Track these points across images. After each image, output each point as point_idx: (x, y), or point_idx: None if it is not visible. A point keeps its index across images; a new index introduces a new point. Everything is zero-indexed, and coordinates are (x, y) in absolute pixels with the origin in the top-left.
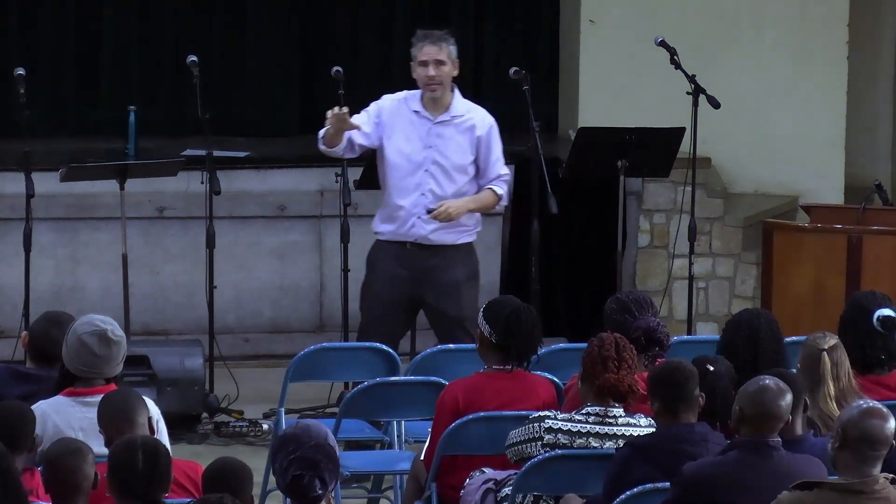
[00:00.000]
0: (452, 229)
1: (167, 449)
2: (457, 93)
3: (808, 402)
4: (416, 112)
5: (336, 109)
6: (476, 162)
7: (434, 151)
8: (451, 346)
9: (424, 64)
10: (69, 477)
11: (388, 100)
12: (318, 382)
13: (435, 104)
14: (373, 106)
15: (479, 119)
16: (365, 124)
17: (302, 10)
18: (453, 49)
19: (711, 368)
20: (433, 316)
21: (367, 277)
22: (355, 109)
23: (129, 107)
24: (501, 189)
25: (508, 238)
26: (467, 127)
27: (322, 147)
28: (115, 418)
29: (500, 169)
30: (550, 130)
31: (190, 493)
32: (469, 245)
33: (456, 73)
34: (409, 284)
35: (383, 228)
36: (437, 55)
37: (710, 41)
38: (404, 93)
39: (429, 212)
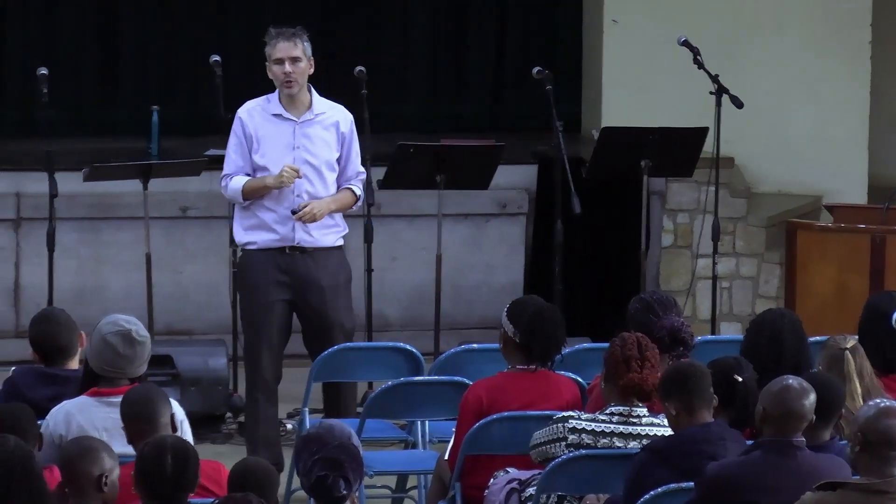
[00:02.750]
0: (330, 231)
1: (196, 452)
2: (314, 91)
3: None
4: (276, 115)
5: (291, 170)
6: (338, 159)
7: (303, 151)
8: (475, 345)
9: (280, 62)
10: (83, 474)
11: (243, 113)
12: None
13: (295, 104)
14: (235, 129)
15: (342, 116)
16: (246, 154)
17: (322, 9)
18: (308, 46)
19: (740, 379)
20: (313, 319)
21: (244, 291)
22: (376, 108)
23: (151, 106)
24: (359, 189)
25: (532, 238)
26: (331, 123)
27: (231, 195)
28: (136, 417)
29: (359, 167)
30: (573, 130)
31: (212, 493)
32: (342, 248)
33: (311, 70)
34: (290, 290)
35: (256, 237)
36: (292, 51)
37: (733, 41)
38: (257, 100)
39: (293, 212)
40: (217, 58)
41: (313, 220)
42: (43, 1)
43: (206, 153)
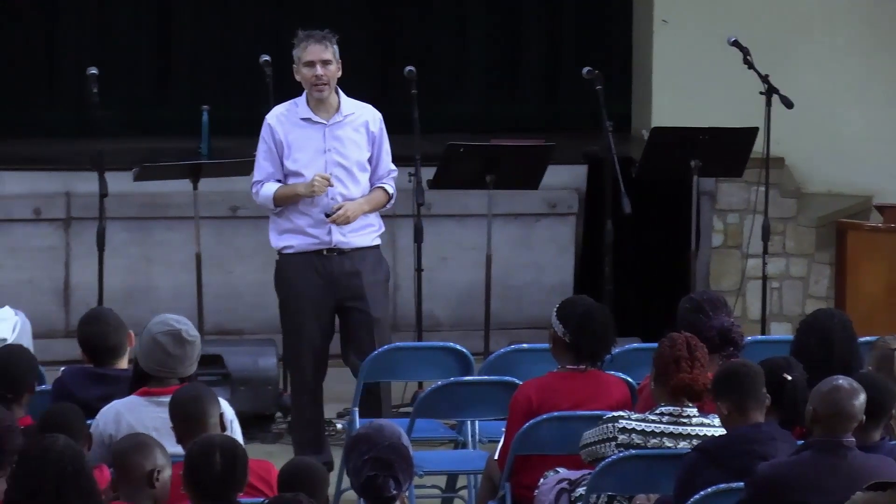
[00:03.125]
0: (365, 231)
1: (244, 450)
2: (341, 93)
3: None
4: (306, 119)
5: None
6: (369, 159)
7: (334, 154)
8: (525, 345)
9: (311, 64)
10: (135, 468)
11: (272, 119)
12: (391, 382)
13: (324, 107)
14: (264, 136)
15: (371, 115)
16: (276, 160)
17: (374, 7)
18: (336, 49)
19: (789, 378)
20: (353, 318)
21: (284, 295)
22: (429, 108)
23: (202, 106)
24: (391, 187)
25: (581, 238)
26: (360, 123)
27: (262, 203)
28: (185, 417)
29: (390, 165)
30: (623, 130)
31: (262, 493)
32: (378, 248)
33: (340, 73)
34: (330, 291)
35: (293, 241)
36: (323, 54)
37: (783, 40)
38: (284, 105)
39: (327, 215)
40: (267, 57)
41: (347, 222)
42: (95, 1)
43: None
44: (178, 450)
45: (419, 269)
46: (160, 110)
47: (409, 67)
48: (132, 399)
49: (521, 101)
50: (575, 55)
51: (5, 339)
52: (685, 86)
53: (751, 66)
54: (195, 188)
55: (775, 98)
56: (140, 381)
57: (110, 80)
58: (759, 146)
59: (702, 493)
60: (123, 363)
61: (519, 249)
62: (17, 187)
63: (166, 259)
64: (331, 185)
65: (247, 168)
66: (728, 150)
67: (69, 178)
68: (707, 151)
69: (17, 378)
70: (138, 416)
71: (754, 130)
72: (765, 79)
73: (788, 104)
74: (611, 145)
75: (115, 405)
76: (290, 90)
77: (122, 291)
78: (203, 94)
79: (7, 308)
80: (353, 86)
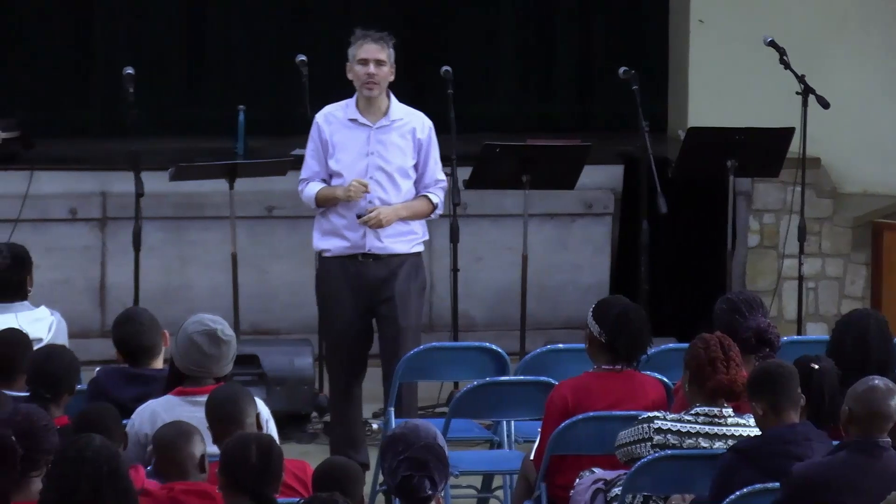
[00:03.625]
0: (402, 237)
1: (280, 448)
2: (393, 97)
3: None
4: (353, 120)
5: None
6: (415, 166)
7: (376, 157)
8: (560, 345)
9: (364, 62)
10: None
11: (321, 118)
12: (427, 382)
13: (372, 109)
14: (312, 135)
15: (420, 123)
16: (322, 159)
17: (408, 9)
18: (393, 52)
19: (816, 367)
20: (383, 324)
21: (321, 299)
22: (464, 108)
23: (238, 106)
24: (437, 197)
25: (618, 238)
26: (408, 130)
27: (306, 201)
28: (222, 417)
29: (438, 174)
30: (659, 130)
31: (297, 493)
32: (419, 255)
33: (393, 77)
34: (363, 296)
35: (330, 244)
36: (378, 54)
37: (819, 40)
38: (335, 105)
39: (359, 216)
40: (303, 57)
41: (379, 225)
42: (130, 1)
43: (292, 153)
44: (215, 449)
45: (455, 270)
46: (196, 110)
47: (445, 67)
48: (168, 398)
49: (555, 100)
50: (610, 55)
51: (41, 339)
52: (722, 86)
53: (787, 66)
54: (231, 188)
55: (811, 98)
56: (176, 380)
57: (145, 79)
58: (795, 146)
59: (737, 493)
60: (158, 363)
61: (555, 250)
62: (53, 187)
63: (202, 259)
64: (367, 192)
65: (282, 168)
66: (764, 150)
67: (105, 177)
68: (743, 151)
69: (57, 378)
70: (174, 415)
71: (790, 130)
72: (801, 79)
73: (825, 104)
74: (647, 145)
75: (151, 404)
76: (326, 90)
77: (158, 291)
78: (237, 94)
79: (43, 308)
80: (393, 85)
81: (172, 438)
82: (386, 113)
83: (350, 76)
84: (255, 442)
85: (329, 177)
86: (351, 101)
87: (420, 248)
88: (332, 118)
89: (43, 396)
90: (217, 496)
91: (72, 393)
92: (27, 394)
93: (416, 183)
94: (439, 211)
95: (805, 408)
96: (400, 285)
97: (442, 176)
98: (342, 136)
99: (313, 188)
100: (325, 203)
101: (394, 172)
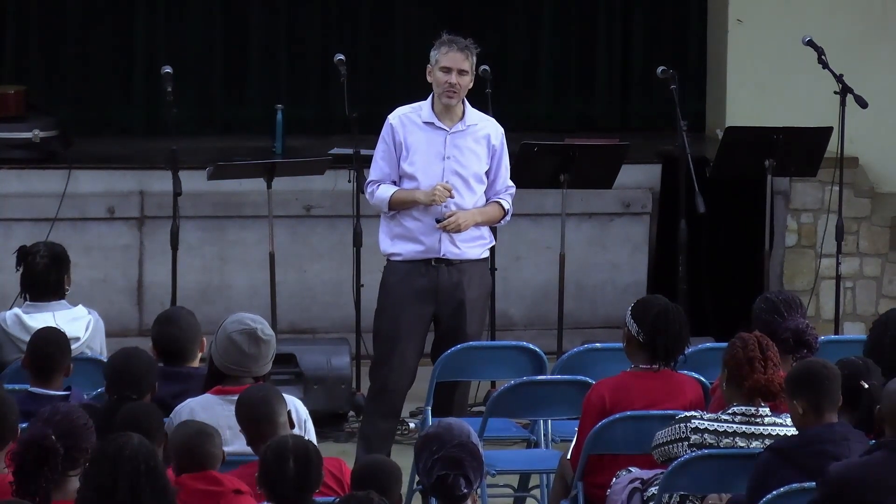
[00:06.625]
0: (476, 243)
1: (318, 452)
2: (467, 103)
3: None
4: (428, 124)
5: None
6: (486, 172)
7: (452, 162)
8: (598, 345)
9: (447, 70)
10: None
11: (394, 119)
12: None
13: (449, 114)
14: (384, 136)
15: (494, 129)
16: (394, 161)
17: (449, 8)
18: (475, 61)
19: (867, 386)
20: (447, 331)
21: (384, 303)
22: (501, 107)
23: (276, 105)
24: (508, 203)
25: (656, 237)
26: (483, 136)
27: (377, 204)
28: (254, 419)
29: (509, 181)
30: (698, 129)
31: (334, 490)
32: (486, 261)
33: (472, 85)
34: (431, 302)
35: (401, 249)
36: (461, 63)
37: (857, 40)
38: (408, 107)
39: (438, 221)
40: (342, 57)
41: (457, 230)
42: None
43: (331, 152)
44: (248, 450)
45: (493, 269)
46: (234, 109)
47: (483, 66)
48: (207, 397)
49: (593, 100)
50: (648, 54)
51: (78, 338)
52: (760, 85)
53: (825, 65)
54: (269, 187)
55: (850, 97)
56: (215, 379)
57: (183, 78)
58: (833, 146)
59: (774, 492)
60: (193, 364)
61: (593, 249)
62: (92, 186)
63: (240, 258)
64: (451, 196)
65: (321, 167)
66: (802, 149)
67: (143, 176)
68: (781, 151)
69: (138, 378)
70: (212, 414)
71: (829, 130)
72: (839, 78)
73: (863, 104)
74: (685, 144)
75: (190, 403)
76: (364, 89)
77: (196, 290)
78: (275, 93)
79: (80, 307)
80: (428, 85)
81: (191, 435)
82: (462, 118)
83: (430, 79)
84: (292, 453)
85: (399, 178)
86: (425, 104)
87: (487, 254)
88: (407, 120)
89: (129, 397)
90: (223, 480)
91: (154, 391)
92: (66, 392)
93: (487, 189)
94: (508, 217)
95: (847, 416)
96: (471, 292)
97: (511, 183)
98: (417, 138)
99: (387, 190)
100: (401, 206)
101: (469, 177)
